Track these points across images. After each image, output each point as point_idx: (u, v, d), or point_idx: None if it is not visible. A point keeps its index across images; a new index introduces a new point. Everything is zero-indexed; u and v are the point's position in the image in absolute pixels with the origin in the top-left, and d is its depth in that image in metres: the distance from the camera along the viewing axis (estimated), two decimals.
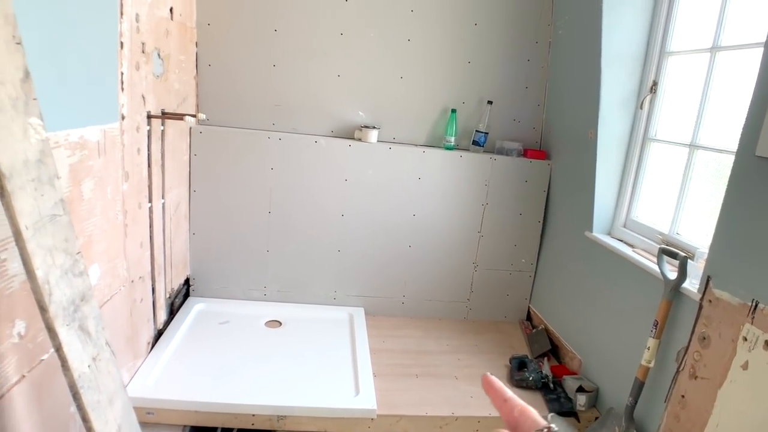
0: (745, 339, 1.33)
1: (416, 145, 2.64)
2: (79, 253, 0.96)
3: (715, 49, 1.78)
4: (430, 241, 2.68)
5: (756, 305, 1.32)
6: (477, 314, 2.82)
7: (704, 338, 1.49)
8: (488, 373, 0.44)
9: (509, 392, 0.42)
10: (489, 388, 0.43)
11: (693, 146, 1.86)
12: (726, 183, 1.48)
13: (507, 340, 2.64)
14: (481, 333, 2.69)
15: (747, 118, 1.41)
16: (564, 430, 0.35)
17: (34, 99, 0.92)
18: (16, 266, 1.06)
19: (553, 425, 0.37)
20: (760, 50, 1.40)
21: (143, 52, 1.77)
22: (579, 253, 2.36)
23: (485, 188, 2.64)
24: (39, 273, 0.83)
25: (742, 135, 1.42)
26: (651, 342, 1.72)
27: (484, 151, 2.64)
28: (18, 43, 0.90)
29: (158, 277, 2.08)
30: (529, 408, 0.40)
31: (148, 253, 1.96)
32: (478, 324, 2.78)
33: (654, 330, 1.71)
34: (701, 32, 1.87)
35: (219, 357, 2.09)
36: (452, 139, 2.60)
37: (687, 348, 1.56)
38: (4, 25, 0.87)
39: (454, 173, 2.60)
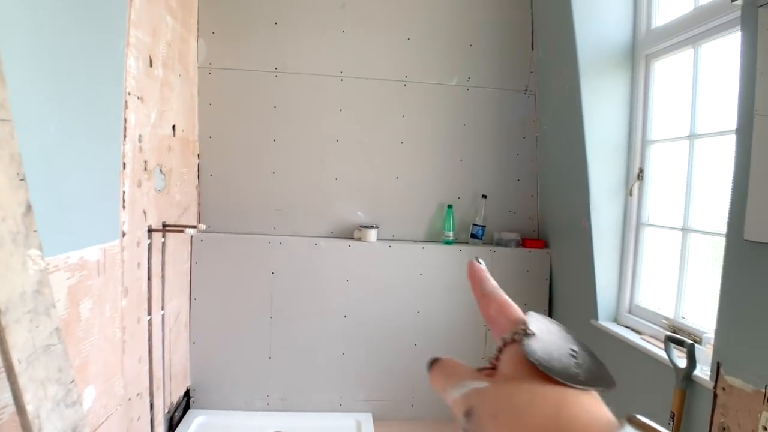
0: (765, 429, 1.26)
1: (415, 242, 2.67)
2: (72, 381, 0.95)
3: (692, 136, 1.86)
4: (437, 337, 2.63)
5: None
6: None
7: (724, 429, 1.41)
8: (475, 258, 0.36)
9: (490, 285, 0.34)
10: (472, 276, 0.34)
11: (685, 230, 1.88)
12: (722, 265, 1.48)
13: None
14: None
15: (731, 203, 1.44)
16: (544, 327, 0.25)
17: (35, 231, 0.95)
18: (6, 396, 1.04)
19: (530, 327, 0.30)
20: (734, 137, 1.46)
21: (145, 169, 1.85)
22: (587, 341, 2.30)
23: None
24: (29, 408, 0.82)
25: (729, 219, 1.44)
26: None
27: (483, 244, 2.66)
28: (22, 180, 0.95)
29: (157, 392, 2.03)
30: (508, 305, 0.33)
31: (147, 367, 1.93)
32: None
33: (672, 423, 1.62)
34: (679, 121, 1.96)
35: None
36: (450, 233, 2.63)
37: None
38: (10, 163, 0.92)
39: (455, 267, 2.61)
